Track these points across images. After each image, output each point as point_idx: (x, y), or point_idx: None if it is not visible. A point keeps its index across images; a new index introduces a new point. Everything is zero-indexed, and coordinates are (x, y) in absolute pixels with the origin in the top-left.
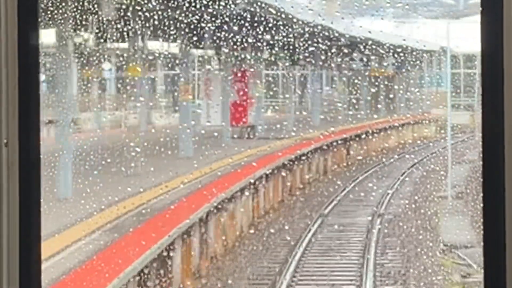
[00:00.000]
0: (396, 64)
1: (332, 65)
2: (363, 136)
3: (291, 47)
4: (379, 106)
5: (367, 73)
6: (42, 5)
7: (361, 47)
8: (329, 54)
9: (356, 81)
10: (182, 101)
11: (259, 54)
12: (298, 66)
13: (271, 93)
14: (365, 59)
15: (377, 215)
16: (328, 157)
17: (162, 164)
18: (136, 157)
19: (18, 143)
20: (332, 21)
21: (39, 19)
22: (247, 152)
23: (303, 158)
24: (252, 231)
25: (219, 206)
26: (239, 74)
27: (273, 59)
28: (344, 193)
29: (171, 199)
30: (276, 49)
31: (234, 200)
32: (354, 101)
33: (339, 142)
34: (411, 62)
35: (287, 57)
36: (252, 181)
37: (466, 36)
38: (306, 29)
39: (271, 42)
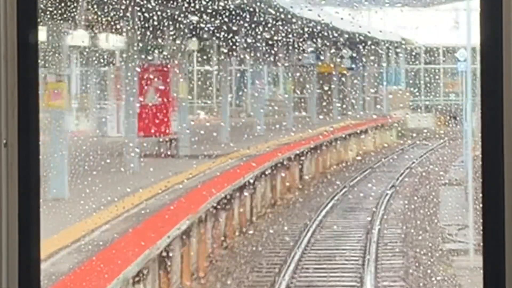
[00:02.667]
0: (352, 57)
1: (278, 58)
2: (318, 148)
3: (225, 33)
4: (333, 108)
5: (317, 69)
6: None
7: (314, 35)
8: (274, 44)
9: (305, 78)
10: (55, 108)
11: (184, 42)
12: (234, 58)
13: (205, 93)
14: (318, 51)
15: None
16: (277, 181)
17: None
18: None
19: (17, 144)
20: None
21: (39, 19)
22: (161, 183)
23: (244, 187)
24: None
25: None
26: (157, 69)
27: (200, 46)
28: (305, 242)
29: None
30: (206, 35)
31: None
32: (303, 102)
33: (291, 159)
34: (369, 55)
35: (221, 48)
36: (164, 246)
37: (430, 26)
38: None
39: (200, 26)
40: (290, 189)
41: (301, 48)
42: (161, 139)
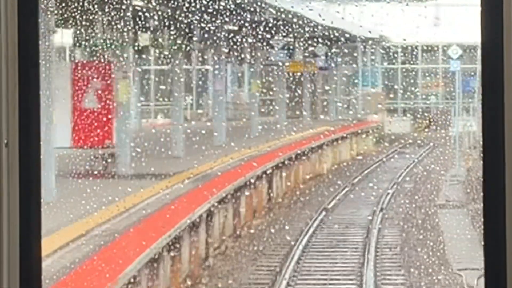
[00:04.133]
0: (326, 55)
1: (243, 55)
2: (289, 161)
3: (181, 25)
4: (304, 112)
5: (288, 69)
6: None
7: (284, 28)
8: (238, 39)
9: (274, 78)
10: None
11: (130, 35)
12: (193, 54)
13: (164, 94)
14: (289, 47)
15: None
16: (240, 205)
17: None
18: None
19: (18, 144)
20: None
21: (39, 20)
22: (72, 227)
23: (198, 222)
24: None
25: None
26: (96, 67)
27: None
28: None
29: None
30: (159, 29)
31: None
32: (271, 105)
33: (257, 177)
34: (345, 53)
35: (177, 43)
36: None
37: (410, 22)
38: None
39: (146, 16)
40: (256, 214)
41: (269, 44)
42: (96, 154)
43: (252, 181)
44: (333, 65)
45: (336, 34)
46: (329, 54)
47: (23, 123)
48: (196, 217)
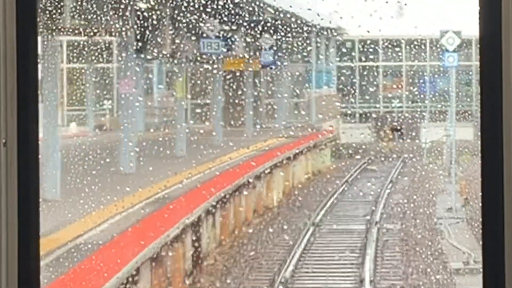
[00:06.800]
0: (275, 47)
1: (162, 45)
2: (225, 196)
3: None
4: (246, 118)
5: (225, 66)
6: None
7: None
8: (161, 27)
9: (206, 76)
10: None
11: None
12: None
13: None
14: (226, 37)
15: None
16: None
17: None
18: None
19: (16, 143)
20: None
21: (38, 20)
22: None
23: None
24: None
25: None
26: None
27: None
28: None
29: None
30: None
31: None
32: (204, 110)
33: (178, 233)
34: (296, 46)
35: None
36: None
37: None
38: None
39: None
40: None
41: (200, 32)
42: None
43: (173, 238)
44: (282, 61)
45: (287, 20)
46: (277, 46)
47: (22, 123)
48: None
